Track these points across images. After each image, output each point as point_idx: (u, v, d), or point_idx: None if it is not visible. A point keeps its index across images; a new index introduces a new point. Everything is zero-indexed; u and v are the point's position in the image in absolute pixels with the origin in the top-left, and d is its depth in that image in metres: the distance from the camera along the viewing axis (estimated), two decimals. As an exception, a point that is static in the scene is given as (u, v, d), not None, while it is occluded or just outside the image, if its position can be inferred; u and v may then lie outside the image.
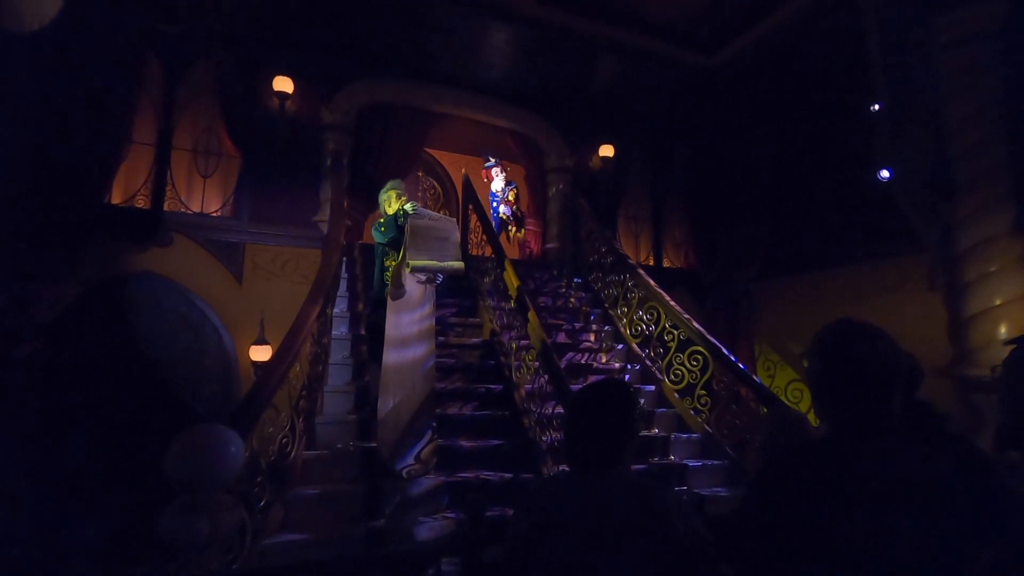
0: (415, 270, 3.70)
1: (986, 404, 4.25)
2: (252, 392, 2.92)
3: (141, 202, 5.44)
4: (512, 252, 7.95)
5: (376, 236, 4.05)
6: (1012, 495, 1.72)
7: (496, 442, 4.02)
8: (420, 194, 9.53)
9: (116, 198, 5.40)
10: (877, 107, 5.06)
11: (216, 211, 5.78)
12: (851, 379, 1.13)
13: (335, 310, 4.94)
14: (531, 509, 1.37)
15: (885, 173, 5.40)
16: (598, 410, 1.36)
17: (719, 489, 4.14)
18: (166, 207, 5.48)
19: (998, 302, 4.47)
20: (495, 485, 3.62)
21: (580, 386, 4.83)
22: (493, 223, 7.27)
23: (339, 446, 3.73)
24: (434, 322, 3.96)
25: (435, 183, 9.84)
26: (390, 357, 3.58)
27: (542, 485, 1.43)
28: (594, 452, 1.34)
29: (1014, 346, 1.30)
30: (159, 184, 5.45)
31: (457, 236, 3.96)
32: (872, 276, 6.02)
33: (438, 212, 8.74)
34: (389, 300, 3.77)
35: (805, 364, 1.26)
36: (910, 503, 1.03)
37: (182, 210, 5.63)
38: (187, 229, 5.49)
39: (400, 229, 3.86)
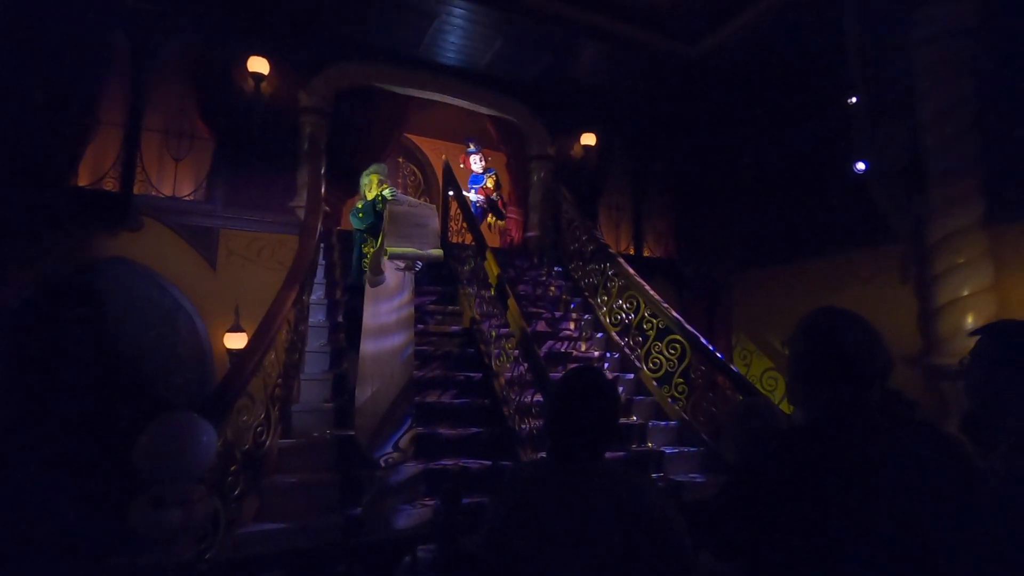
0: (393, 257, 3.65)
1: (952, 392, 4.38)
2: (225, 380, 2.86)
3: (110, 185, 5.26)
4: (493, 240, 7.92)
5: (354, 222, 3.99)
6: (983, 478, 1.78)
7: (475, 430, 4.02)
8: (400, 180, 9.42)
9: (83, 180, 5.21)
10: (854, 100, 5.12)
11: (189, 195, 5.62)
12: (835, 366, 1.14)
13: (312, 297, 4.86)
14: (508, 497, 1.37)
15: (861, 165, 5.49)
16: (579, 399, 1.36)
17: (695, 475, 4.21)
18: (136, 190, 5.30)
19: (966, 293, 4.60)
20: (474, 473, 3.63)
21: (559, 374, 4.83)
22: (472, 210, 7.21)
23: (316, 434, 3.69)
24: (413, 310, 3.92)
25: (416, 169, 9.73)
26: (368, 345, 3.54)
27: (519, 473, 1.43)
28: (574, 440, 1.33)
29: (979, 336, 1.32)
30: (128, 166, 5.26)
31: (436, 223, 3.92)
32: (847, 267, 6.13)
33: (418, 199, 8.68)
34: (367, 287, 3.72)
35: (786, 351, 1.27)
36: (889, 488, 1.04)
37: (153, 193, 5.45)
38: (158, 213, 5.33)
39: (378, 215, 3.81)
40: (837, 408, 1.11)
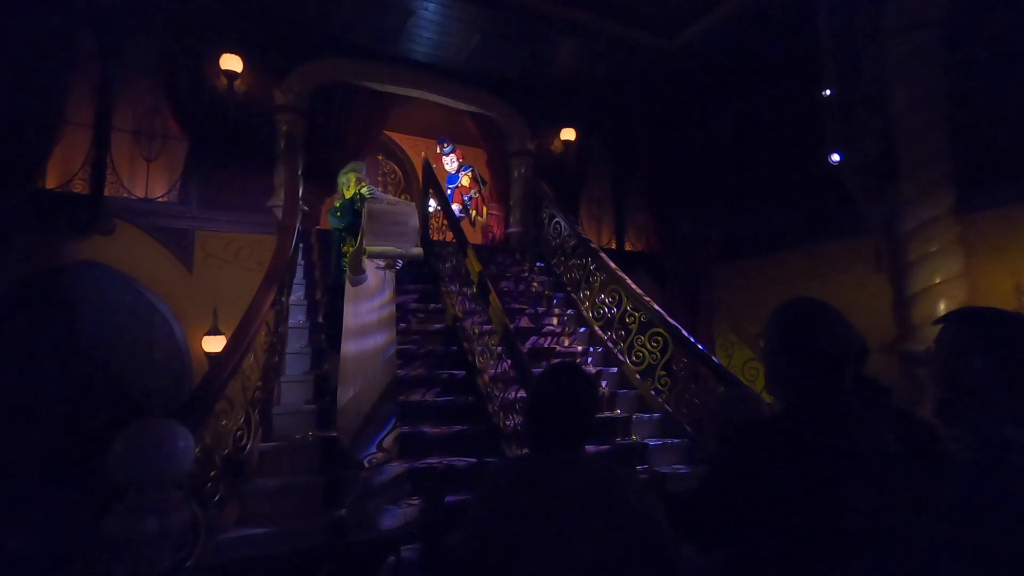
0: (373, 256, 3.62)
1: (927, 378, 4.47)
2: (202, 384, 2.80)
3: (79, 187, 5.12)
4: (475, 237, 7.90)
5: (332, 221, 3.93)
6: (955, 461, 1.82)
7: (460, 427, 4.01)
8: (380, 178, 9.34)
9: (51, 182, 5.07)
10: (828, 92, 5.19)
11: (162, 196, 5.50)
12: (807, 355, 1.15)
13: (292, 298, 4.80)
14: (489, 492, 1.37)
15: (836, 157, 5.56)
16: (558, 393, 1.36)
17: (679, 466, 4.25)
18: (107, 192, 5.18)
19: (938, 280, 4.70)
20: (459, 470, 3.61)
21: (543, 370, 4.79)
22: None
23: (297, 436, 3.64)
24: (394, 309, 3.89)
25: (396, 167, 9.65)
26: (349, 345, 3.50)
27: (500, 468, 1.42)
28: (553, 435, 1.33)
29: (944, 324, 1.35)
30: (98, 167, 5.13)
31: (416, 221, 3.88)
32: (823, 257, 6.23)
33: (399, 197, 8.62)
34: (347, 287, 3.68)
35: (761, 342, 1.28)
36: (862, 475, 1.06)
37: (125, 195, 5.33)
38: (131, 215, 5.21)
39: (357, 214, 3.76)
40: (810, 397, 1.13)
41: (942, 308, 4.63)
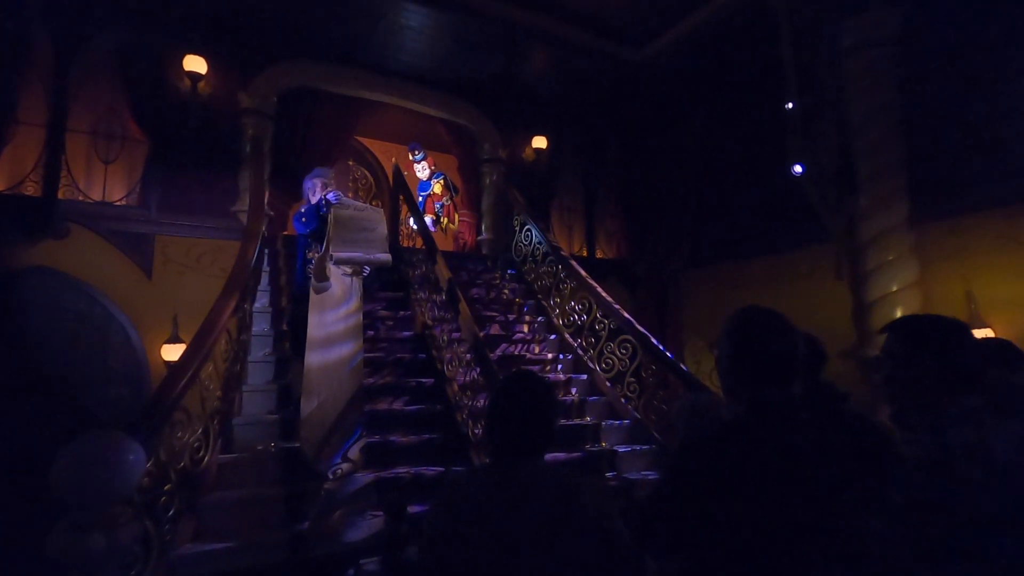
0: (339, 262, 3.55)
1: (879, 383, 4.60)
2: (156, 395, 2.70)
3: (31, 189, 4.92)
4: (446, 244, 7.87)
5: (297, 227, 3.86)
6: (905, 462, 1.86)
7: (428, 436, 3.96)
8: (351, 184, 9.23)
9: (0, 185, 4.86)
10: (790, 105, 5.33)
11: (120, 200, 5.32)
12: (757, 362, 1.18)
13: (256, 305, 4.68)
14: (446, 504, 1.34)
15: (798, 168, 5.72)
16: (516, 401, 1.34)
17: (648, 473, 4.27)
18: (61, 195, 4.98)
19: (895, 288, 4.86)
20: (428, 480, 3.57)
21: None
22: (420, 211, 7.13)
23: (259, 448, 3.54)
24: (361, 316, 3.82)
25: (367, 173, 9.55)
26: (314, 354, 3.42)
27: (457, 479, 1.40)
28: (511, 443, 1.32)
29: (887, 333, 1.38)
30: (52, 170, 4.92)
31: (384, 227, 3.83)
32: (787, 265, 6.39)
33: (370, 203, 8.53)
34: (312, 294, 3.60)
35: (714, 352, 1.31)
36: (812, 478, 1.08)
37: (80, 199, 5.13)
38: (86, 219, 5.02)
39: (323, 219, 3.70)
40: (761, 403, 1.15)
41: (898, 315, 4.78)
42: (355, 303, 3.75)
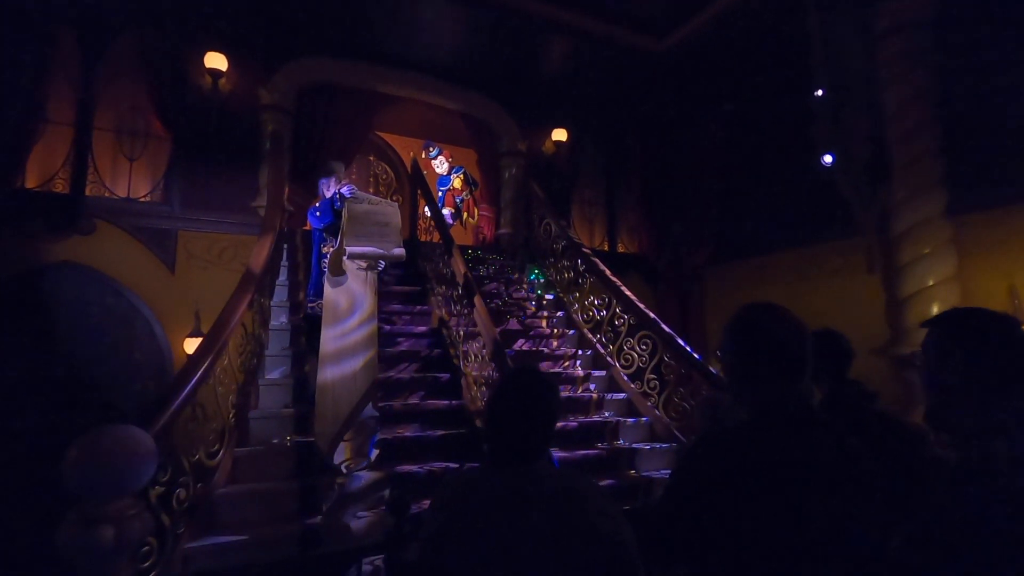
0: (353, 257, 3.53)
1: (919, 381, 4.40)
2: (169, 388, 2.72)
3: (59, 186, 5.04)
4: (465, 238, 7.84)
5: (312, 221, 3.86)
6: (939, 464, 1.73)
7: (442, 432, 3.93)
8: (372, 179, 9.26)
9: (31, 182, 4.98)
10: (819, 93, 5.13)
11: (144, 196, 5.41)
12: (763, 362, 1.11)
13: (275, 299, 4.72)
14: (445, 504, 1.29)
15: (828, 158, 5.51)
16: (514, 399, 1.28)
17: (668, 472, 4.17)
18: (88, 192, 5.09)
19: (931, 283, 4.64)
20: (440, 476, 3.53)
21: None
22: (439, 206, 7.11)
23: (275, 441, 3.55)
24: (376, 312, 3.80)
25: (387, 168, 9.56)
26: (328, 348, 3.41)
27: (456, 479, 1.34)
28: (508, 443, 1.25)
29: (928, 328, 1.27)
30: (79, 167, 5.04)
31: (398, 221, 3.79)
32: (815, 259, 6.17)
33: (391, 198, 8.54)
34: (327, 289, 3.59)
35: (718, 352, 1.24)
36: (825, 488, 0.99)
37: (106, 195, 5.24)
38: (112, 215, 5.12)
39: (337, 214, 3.68)
40: (769, 405, 1.07)
41: (935, 310, 4.57)
42: (370, 298, 3.73)
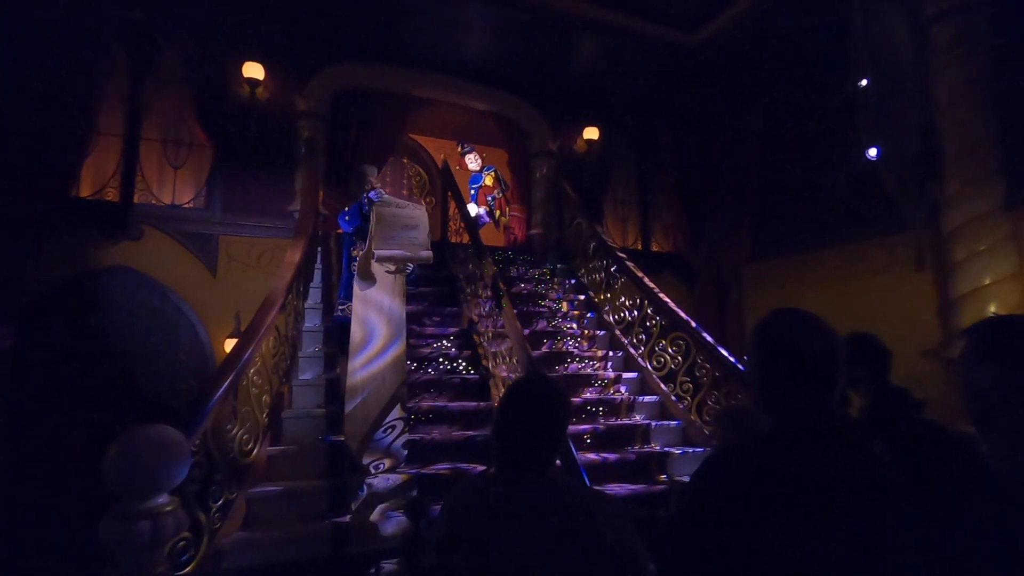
0: (381, 260, 3.58)
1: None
2: (204, 389, 2.81)
3: (111, 195, 5.30)
4: (497, 238, 7.85)
5: (342, 225, 3.93)
6: (992, 472, 1.62)
7: (471, 433, 3.95)
8: (405, 181, 9.39)
9: (85, 191, 5.27)
10: (863, 83, 4.90)
11: (188, 202, 5.64)
12: (790, 372, 1.05)
13: (309, 301, 4.84)
14: (452, 513, 1.28)
15: (872, 151, 5.26)
16: (521, 408, 1.26)
17: (700, 477, 4.06)
18: (136, 199, 5.34)
19: (988, 281, 4.37)
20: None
21: (559, 374, 4.66)
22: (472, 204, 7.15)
23: (308, 441, 3.64)
24: (404, 314, 3.84)
25: (420, 170, 9.68)
26: (357, 350, 3.47)
27: (465, 486, 1.34)
28: (514, 452, 1.24)
29: (966, 334, 1.19)
30: (128, 176, 5.29)
31: (426, 224, 3.83)
32: (859, 257, 5.90)
33: (424, 199, 8.64)
34: (356, 291, 3.66)
35: (744, 358, 1.18)
36: (849, 508, 0.93)
37: (153, 202, 5.49)
38: (158, 221, 5.36)
39: (365, 217, 3.74)
40: (796, 415, 1.01)
41: (992, 311, 4.30)
42: (398, 299, 3.78)
